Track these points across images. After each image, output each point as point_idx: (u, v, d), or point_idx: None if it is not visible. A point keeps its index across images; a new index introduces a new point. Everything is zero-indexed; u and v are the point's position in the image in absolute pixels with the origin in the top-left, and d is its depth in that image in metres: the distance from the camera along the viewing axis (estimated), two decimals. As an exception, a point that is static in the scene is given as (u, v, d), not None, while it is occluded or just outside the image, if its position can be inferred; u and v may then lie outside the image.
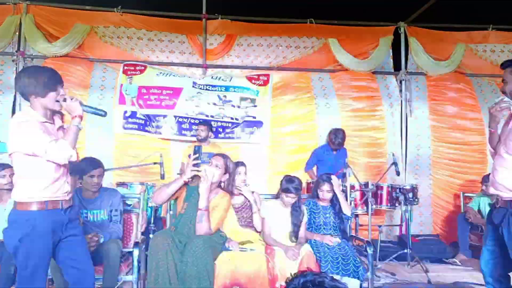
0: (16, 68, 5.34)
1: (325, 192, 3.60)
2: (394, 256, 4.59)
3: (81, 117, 2.33)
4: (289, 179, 3.44)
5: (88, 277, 2.42)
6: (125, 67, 5.63)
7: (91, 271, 2.45)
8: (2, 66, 5.44)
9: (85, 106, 2.39)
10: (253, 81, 5.86)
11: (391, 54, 6.24)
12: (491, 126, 2.62)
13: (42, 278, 2.30)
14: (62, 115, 2.48)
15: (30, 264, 2.24)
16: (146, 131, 5.55)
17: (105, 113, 2.49)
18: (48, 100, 2.30)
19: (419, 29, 6.19)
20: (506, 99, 2.50)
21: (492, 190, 2.59)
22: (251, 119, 5.78)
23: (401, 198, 4.57)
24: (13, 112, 5.22)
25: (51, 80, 2.31)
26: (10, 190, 3.29)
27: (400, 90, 6.16)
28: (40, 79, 2.27)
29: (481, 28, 6.23)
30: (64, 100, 2.33)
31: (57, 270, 2.69)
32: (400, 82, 6.17)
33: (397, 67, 6.25)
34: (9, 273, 2.85)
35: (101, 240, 3.02)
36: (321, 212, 3.61)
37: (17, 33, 5.47)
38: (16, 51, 5.43)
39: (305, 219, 3.46)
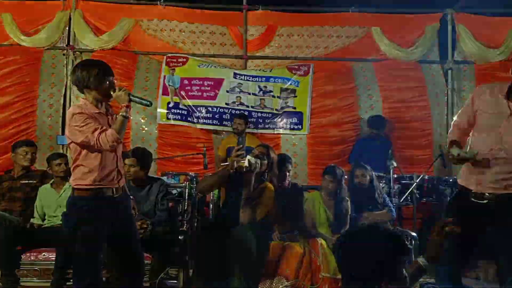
0: (67, 61, 5.56)
1: (359, 177, 3.59)
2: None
3: (128, 107, 2.41)
4: (330, 166, 3.59)
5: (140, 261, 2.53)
6: (168, 59, 5.75)
7: (142, 256, 2.55)
8: (53, 60, 5.66)
9: (132, 96, 2.46)
10: (293, 71, 5.82)
11: (437, 42, 6.01)
12: None
13: (97, 261, 2.41)
14: (111, 106, 2.59)
15: (86, 247, 2.36)
16: (189, 121, 5.65)
17: (151, 103, 2.59)
18: (100, 92, 2.41)
19: (468, 16, 5.90)
20: None
21: None
22: (291, 109, 5.75)
23: (448, 191, 4.42)
24: (64, 103, 5.47)
25: (103, 72, 2.42)
26: (64, 177, 3.48)
27: (446, 80, 5.94)
28: (93, 71, 2.39)
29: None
30: (114, 90, 2.42)
31: (110, 255, 2.81)
32: (447, 71, 5.94)
33: (442, 56, 6.02)
34: (68, 255, 3.00)
35: (149, 228, 3.13)
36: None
37: (67, 28, 5.69)
38: (67, 45, 5.65)
39: (348, 212, 3.43)
